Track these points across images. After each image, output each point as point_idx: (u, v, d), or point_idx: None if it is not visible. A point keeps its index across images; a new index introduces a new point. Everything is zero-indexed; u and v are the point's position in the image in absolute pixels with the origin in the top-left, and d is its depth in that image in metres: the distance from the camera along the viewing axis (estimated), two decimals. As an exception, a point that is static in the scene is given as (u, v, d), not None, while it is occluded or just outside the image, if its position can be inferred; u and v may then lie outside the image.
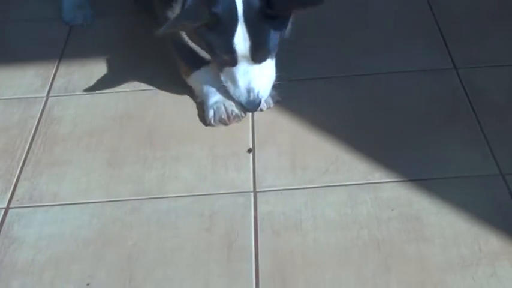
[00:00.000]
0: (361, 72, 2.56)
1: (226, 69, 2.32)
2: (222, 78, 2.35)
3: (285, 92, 2.41)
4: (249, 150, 2.30)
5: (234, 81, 2.32)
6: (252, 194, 2.13)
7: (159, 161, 2.27)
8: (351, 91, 2.48)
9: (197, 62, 2.46)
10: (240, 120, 2.40)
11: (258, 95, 2.31)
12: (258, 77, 2.32)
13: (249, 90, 2.31)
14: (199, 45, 2.36)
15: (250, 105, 2.32)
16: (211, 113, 2.39)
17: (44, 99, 2.56)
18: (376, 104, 2.42)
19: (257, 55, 2.29)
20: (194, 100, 2.50)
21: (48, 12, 2.99)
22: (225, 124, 2.39)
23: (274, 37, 2.31)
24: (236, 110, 2.39)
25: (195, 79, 2.48)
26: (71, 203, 2.15)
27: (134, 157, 2.29)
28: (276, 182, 2.16)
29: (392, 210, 2.05)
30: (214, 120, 2.39)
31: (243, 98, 2.32)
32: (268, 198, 2.11)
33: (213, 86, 2.43)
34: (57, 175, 2.25)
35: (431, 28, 2.74)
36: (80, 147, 2.34)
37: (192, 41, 2.37)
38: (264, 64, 2.32)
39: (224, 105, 2.39)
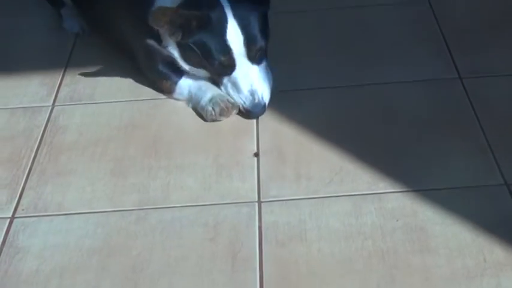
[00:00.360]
0: (366, 81, 2.56)
1: (226, 78, 2.37)
2: (223, 89, 2.41)
3: (289, 102, 2.42)
4: (255, 154, 2.30)
5: (235, 87, 2.37)
6: (256, 204, 2.13)
7: (163, 171, 2.27)
8: (355, 101, 2.48)
9: (175, 75, 2.49)
10: (238, 110, 2.41)
11: (261, 97, 2.35)
12: (259, 79, 2.37)
13: (252, 93, 2.36)
14: (193, 62, 2.40)
15: (256, 108, 2.36)
16: (209, 109, 2.41)
17: (50, 108, 2.56)
18: (381, 113, 2.42)
19: (252, 49, 2.34)
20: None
21: (53, 22, 2.99)
22: (227, 116, 2.40)
23: (264, 21, 2.36)
24: (232, 100, 2.40)
25: (179, 91, 2.51)
26: (75, 213, 2.15)
27: (139, 166, 2.29)
28: (280, 192, 2.16)
29: (397, 220, 2.04)
30: (215, 115, 2.40)
31: (248, 102, 2.36)
32: (272, 208, 2.11)
33: (198, 88, 2.46)
34: (62, 184, 2.25)
35: (436, 37, 2.74)
36: (85, 157, 2.34)
37: (185, 59, 2.42)
38: (261, 66, 2.37)
39: (219, 99, 2.41)
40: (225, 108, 2.40)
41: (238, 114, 2.42)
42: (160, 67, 2.49)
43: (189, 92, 2.49)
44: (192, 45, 2.35)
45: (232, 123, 2.43)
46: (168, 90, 2.53)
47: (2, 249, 2.05)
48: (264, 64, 2.41)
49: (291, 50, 2.55)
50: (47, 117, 2.52)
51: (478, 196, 2.09)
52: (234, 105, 2.41)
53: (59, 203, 2.19)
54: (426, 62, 2.62)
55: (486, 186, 2.12)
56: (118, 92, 2.60)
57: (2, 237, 2.08)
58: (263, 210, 2.11)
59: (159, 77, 2.52)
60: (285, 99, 2.42)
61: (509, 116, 2.36)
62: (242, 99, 2.37)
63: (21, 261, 2.02)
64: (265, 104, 2.37)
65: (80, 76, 2.69)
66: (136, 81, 2.62)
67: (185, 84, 2.50)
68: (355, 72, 2.60)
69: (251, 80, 2.36)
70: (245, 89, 2.36)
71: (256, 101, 2.35)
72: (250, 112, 2.38)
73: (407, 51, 2.68)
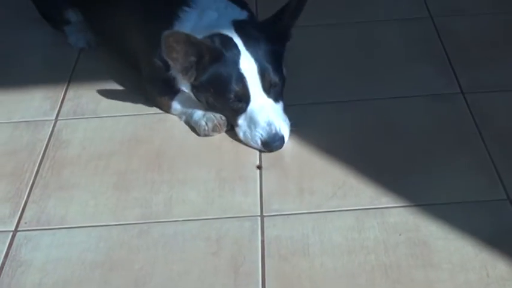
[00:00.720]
0: (369, 96, 2.57)
1: (242, 117, 2.36)
2: (240, 127, 2.37)
3: (292, 116, 2.41)
4: (258, 167, 2.31)
5: (252, 120, 2.35)
6: (259, 218, 2.13)
7: (166, 185, 2.28)
8: (358, 116, 2.49)
9: (172, 91, 2.51)
10: (229, 127, 2.42)
11: (279, 129, 2.33)
12: (275, 112, 2.36)
13: (269, 124, 2.33)
14: (208, 102, 2.41)
15: (274, 140, 2.32)
16: (203, 124, 2.43)
17: (53, 122, 2.58)
18: (383, 128, 2.43)
19: (266, 80, 2.34)
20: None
21: (57, 37, 3.01)
22: (219, 131, 2.42)
23: (277, 58, 2.38)
24: (224, 117, 2.41)
25: (175, 105, 2.53)
26: (78, 226, 2.15)
27: (142, 180, 2.30)
28: (283, 206, 2.17)
29: (400, 235, 2.04)
30: (208, 130, 2.42)
31: (265, 134, 2.33)
32: (275, 222, 2.11)
33: (191, 105, 2.48)
34: (64, 198, 2.26)
35: (439, 53, 2.76)
36: (88, 171, 2.35)
37: (199, 98, 2.43)
38: (278, 104, 2.37)
39: (213, 114, 2.43)
40: (218, 124, 2.42)
41: (258, 150, 2.38)
42: (162, 84, 2.50)
43: (183, 107, 2.51)
44: (205, 82, 2.36)
45: (234, 137, 2.43)
46: (166, 105, 2.56)
47: (4, 263, 2.06)
48: (281, 104, 2.39)
49: (294, 64, 2.55)
50: (50, 131, 2.53)
51: (481, 211, 2.09)
52: (225, 122, 2.43)
53: (61, 217, 2.19)
54: (429, 77, 2.64)
55: (489, 201, 2.12)
56: (121, 106, 2.61)
57: (4, 251, 2.09)
58: (266, 224, 2.11)
59: (159, 92, 2.54)
60: (288, 114, 2.41)
61: (511, 131, 2.37)
62: (259, 132, 2.33)
63: (24, 275, 2.02)
64: (283, 136, 2.34)
65: (83, 90, 2.71)
66: (139, 95, 2.63)
67: (180, 100, 2.52)
68: (358, 87, 2.62)
69: (267, 111, 2.34)
70: (262, 120, 2.33)
71: (274, 131, 2.32)
72: (267, 144, 2.33)
73: (410, 66, 2.70)
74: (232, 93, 2.34)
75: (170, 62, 2.32)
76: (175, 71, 2.39)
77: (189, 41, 2.28)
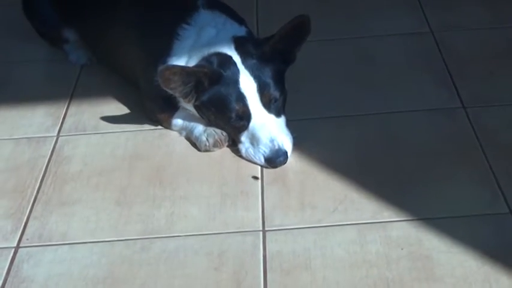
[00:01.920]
0: (370, 111, 2.58)
1: (245, 135, 2.36)
2: (242, 144, 2.37)
3: (293, 131, 2.41)
4: (255, 178, 2.31)
5: (254, 137, 2.35)
6: (261, 233, 2.14)
7: (168, 200, 2.28)
8: (360, 130, 2.50)
9: (172, 107, 2.51)
10: (230, 142, 2.42)
11: (281, 145, 2.32)
12: (277, 127, 2.35)
13: (271, 140, 2.33)
14: (210, 120, 2.43)
15: (276, 155, 2.31)
16: (203, 139, 2.43)
17: (55, 138, 2.58)
18: (385, 142, 2.43)
19: (266, 96, 2.35)
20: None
21: (57, 53, 3.01)
22: (220, 147, 2.42)
23: (278, 74, 2.37)
24: (225, 132, 2.41)
25: (175, 121, 2.53)
26: (80, 242, 2.16)
27: (143, 196, 2.30)
28: (284, 221, 2.17)
29: (402, 249, 2.04)
30: (209, 146, 2.42)
31: (268, 150, 2.32)
32: (277, 237, 2.12)
33: (191, 120, 2.48)
34: (66, 214, 2.26)
35: (439, 67, 2.77)
36: (90, 187, 2.36)
37: (202, 116, 2.43)
38: (279, 120, 2.37)
39: (214, 130, 2.43)
40: (219, 140, 2.42)
41: (261, 166, 2.37)
42: (162, 101, 2.50)
43: (184, 122, 2.52)
44: (206, 103, 2.37)
45: (236, 152, 2.43)
46: (165, 121, 2.56)
47: (6, 279, 2.06)
48: (283, 118, 2.40)
49: (294, 78, 2.54)
50: (51, 147, 2.53)
51: (483, 225, 2.10)
52: (226, 137, 2.43)
53: (63, 233, 2.20)
54: (430, 92, 2.64)
55: (491, 214, 2.13)
56: (122, 122, 2.62)
57: (6, 267, 2.10)
58: (268, 239, 2.11)
59: (159, 109, 2.55)
60: (289, 129, 2.41)
61: (513, 145, 2.38)
62: (262, 149, 2.33)
63: (26, 291, 2.02)
64: (286, 151, 2.34)
65: (85, 106, 2.72)
66: (141, 111, 2.63)
67: (181, 115, 2.52)
68: (360, 101, 2.62)
69: (269, 127, 2.34)
70: (264, 136, 2.33)
71: (276, 147, 2.32)
72: (271, 160, 2.33)
73: (412, 80, 2.71)
74: (233, 112, 2.35)
75: (169, 91, 2.34)
76: (177, 97, 2.41)
77: (185, 72, 2.30)
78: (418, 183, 2.26)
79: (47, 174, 2.41)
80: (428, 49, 2.87)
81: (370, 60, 2.85)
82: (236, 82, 2.34)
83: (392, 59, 2.84)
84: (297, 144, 2.40)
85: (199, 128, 2.47)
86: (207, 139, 2.43)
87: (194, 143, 2.49)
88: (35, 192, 2.34)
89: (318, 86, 2.71)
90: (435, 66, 2.77)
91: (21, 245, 2.16)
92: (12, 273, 2.07)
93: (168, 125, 2.57)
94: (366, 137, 2.46)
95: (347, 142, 2.45)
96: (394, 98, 2.62)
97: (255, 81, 2.34)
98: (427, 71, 2.75)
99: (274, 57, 2.38)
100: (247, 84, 2.34)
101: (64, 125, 2.64)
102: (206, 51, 2.39)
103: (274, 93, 2.36)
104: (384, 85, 2.69)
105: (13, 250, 2.14)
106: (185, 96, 2.36)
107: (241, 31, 2.49)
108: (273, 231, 2.14)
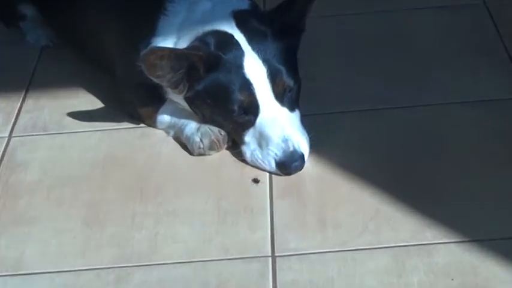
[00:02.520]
0: (403, 103, 2.54)
1: (250, 133, 2.30)
2: (247, 145, 2.32)
3: (308, 130, 2.35)
4: (255, 181, 2.28)
5: (263, 136, 2.29)
6: (270, 259, 2.08)
7: (151, 218, 2.22)
8: (390, 127, 2.45)
9: (157, 100, 2.48)
10: (230, 144, 2.37)
11: (297, 146, 2.26)
12: (291, 124, 2.29)
13: (285, 140, 2.27)
14: (206, 116, 2.37)
15: (291, 159, 2.25)
16: (197, 140, 2.38)
17: (6, 139, 2.54)
18: (422, 142, 2.38)
19: (278, 85, 2.28)
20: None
21: (13, 33, 2.99)
22: (218, 150, 2.38)
23: (290, 57, 2.33)
24: (224, 131, 2.36)
25: (161, 117, 2.49)
26: (37, 272, 2.10)
27: (119, 213, 2.24)
28: (300, 243, 2.11)
29: (452, 279, 1.97)
30: (203, 148, 2.37)
31: (280, 152, 2.26)
32: (290, 264, 2.06)
33: (181, 116, 2.44)
34: (19, 236, 2.20)
35: (495, 48, 2.71)
36: (50, 201, 2.30)
37: (196, 111, 2.38)
38: (294, 114, 2.31)
39: (209, 128, 2.38)
40: (216, 141, 2.38)
41: (271, 173, 2.31)
42: (144, 91, 2.46)
43: (172, 118, 2.48)
44: (201, 93, 2.32)
45: (238, 156, 2.38)
46: (148, 117, 2.52)
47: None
48: (297, 113, 2.34)
49: (309, 63, 2.51)
50: (1, 151, 2.50)
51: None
52: (225, 137, 2.38)
53: (16, 260, 2.13)
54: (481, 79, 2.59)
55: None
56: (94, 118, 2.58)
57: None
58: (278, 266, 2.05)
59: (140, 102, 2.51)
60: (305, 126, 2.35)
61: None
62: (273, 151, 2.27)
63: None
64: (302, 155, 2.27)
65: (45, 99, 2.68)
66: (117, 105, 2.58)
67: (168, 110, 2.48)
68: (389, 92, 2.58)
69: (281, 124, 2.28)
70: (275, 135, 2.27)
71: (291, 149, 2.26)
72: (285, 165, 2.27)
73: (456, 64, 2.67)
74: (237, 105, 2.29)
75: (154, 80, 2.28)
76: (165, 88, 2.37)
77: (175, 55, 2.26)
78: (468, 193, 2.19)
79: (-5, 185, 2.31)
80: (479, 24, 2.84)
81: (400, 39, 2.81)
82: (240, 67, 2.27)
83: (430, 38, 2.81)
84: (314, 146, 2.34)
85: (191, 126, 2.40)
86: (201, 140, 2.37)
87: (185, 144, 2.43)
88: (-20, 208, 2.23)
89: (337, 72, 2.67)
90: (490, 46, 2.73)
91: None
92: None
93: (152, 122, 2.51)
94: (399, 136, 2.42)
95: (376, 142, 2.40)
96: (433, 87, 2.58)
97: (265, 66, 2.29)
98: (479, 52, 2.71)
99: (285, 34, 2.34)
100: (255, 69, 2.28)
101: (18, 123, 2.60)
102: (200, 30, 2.33)
103: (288, 80, 2.30)
104: (420, 72, 2.65)
105: None
106: (175, 86, 2.30)
107: (243, 3, 2.43)
108: (285, 257, 2.08)
